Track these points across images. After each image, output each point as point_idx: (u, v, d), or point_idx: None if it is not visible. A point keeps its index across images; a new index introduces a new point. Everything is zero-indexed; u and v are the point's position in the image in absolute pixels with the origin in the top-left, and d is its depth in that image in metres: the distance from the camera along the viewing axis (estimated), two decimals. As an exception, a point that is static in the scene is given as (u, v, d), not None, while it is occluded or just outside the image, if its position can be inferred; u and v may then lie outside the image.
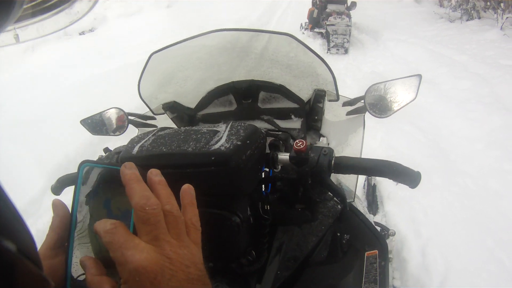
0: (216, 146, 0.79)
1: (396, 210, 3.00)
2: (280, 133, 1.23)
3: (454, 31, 9.10)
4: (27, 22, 0.60)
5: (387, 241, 2.40)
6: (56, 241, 0.56)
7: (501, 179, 3.34)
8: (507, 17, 8.42)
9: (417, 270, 2.45)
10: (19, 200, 3.37)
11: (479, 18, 9.99)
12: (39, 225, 3.19)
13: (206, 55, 1.47)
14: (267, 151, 0.97)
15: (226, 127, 0.88)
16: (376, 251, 1.16)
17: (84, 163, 0.56)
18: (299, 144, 0.92)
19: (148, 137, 0.91)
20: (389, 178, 0.90)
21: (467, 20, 10.03)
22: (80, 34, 12.73)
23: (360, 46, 9.20)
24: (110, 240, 0.46)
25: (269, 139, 1.12)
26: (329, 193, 1.06)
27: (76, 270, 0.54)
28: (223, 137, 0.82)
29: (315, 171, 0.90)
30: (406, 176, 0.88)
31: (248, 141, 0.83)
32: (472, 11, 10.15)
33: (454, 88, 5.30)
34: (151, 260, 0.45)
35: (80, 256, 0.53)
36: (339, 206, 1.18)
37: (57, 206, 0.58)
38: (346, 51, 8.58)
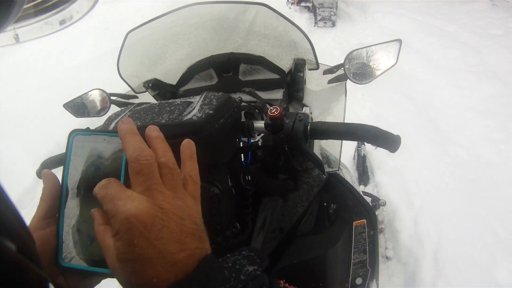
0: (189, 116, 0.77)
1: (387, 180, 3.01)
2: (256, 101, 1.21)
3: (442, 1, 9.03)
4: (27, 22, 0.60)
5: (378, 211, 2.41)
6: (46, 211, 0.56)
7: (493, 148, 3.35)
8: (496, -14, 8.35)
9: (409, 241, 2.47)
10: (13, 192, 3.35)
11: (469, -13, 9.90)
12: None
13: (184, 30, 1.44)
14: (243, 120, 0.95)
15: (200, 97, 0.86)
16: (365, 221, 1.17)
17: (73, 132, 0.56)
18: (273, 111, 0.90)
19: (125, 113, 0.89)
20: (368, 142, 0.88)
21: (456, -10, 9.94)
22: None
23: (347, 19, 9.14)
24: (104, 194, 0.47)
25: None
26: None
27: (67, 240, 0.54)
28: (195, 107, 0.80)
29: (291, 137, 0.88)
30: (385, 140, 0.85)
31: (221, 110, 0.81)
32: (461, -20, 10.05)
33: (443, 57, 5.28)
34: (142, 209, 0.44)
35: (72, 226, 0.54)
36: (324, 175, 1.17)
37: (47, 176, 0.58)
38: (333, 24, 8.54)
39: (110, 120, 0.88)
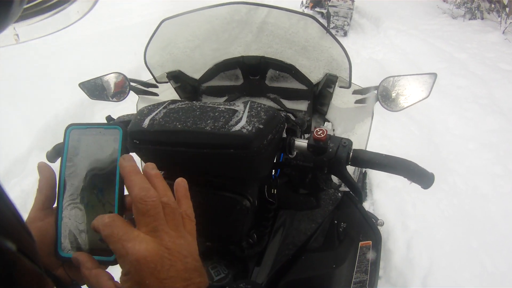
0: (237, 127, 0.76)
1: (385, 199, 3.01)
2: (297, 118, 1.20)
3: (455, 28, 9.05)
4: (27, 22, 0.60)
5: (376, 230, 2.42)
6: (44, 202, 0.57)
7: (490, 182, 3.36)
8: (510, 22, 8.39)
9: (401, 262, 2.48)
10: (4, 159, 3.33)
11: (482, 19, 9.93)
12: (24, 186, 3.17)
13: (218, 26, 1.43)
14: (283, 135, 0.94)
15: (245, 106, 0.84)
16: (370, 242, 1.17)
17: (70, 126, 0.57)
18: (319, 133, 0.89)
19: (159, 110, 0.87)
20: (404, 177, 0.89)
21: (470, 19, 9.96)
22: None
23: (360, 31, 9.16)
24: (110, 233, 0.48)
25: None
26: (334, 182, 1.04)
27: (66, 231, 0.55)
28: (243, 118, 0.79)
29: (333, 162, 0.88)
30: (421, 177, 0.87)
31: (269, 125, 0.80)
32: (476, 11, 10.08)
33: (451, 84, 5.28)
34: (151, 250, 0.46)
35: (71, 218, 0.55)
36: (339, 194, 1.17)
37: (43, 168, 0.59)
38: (345, 34, 8.57)
39: (142, 115, 0.86)
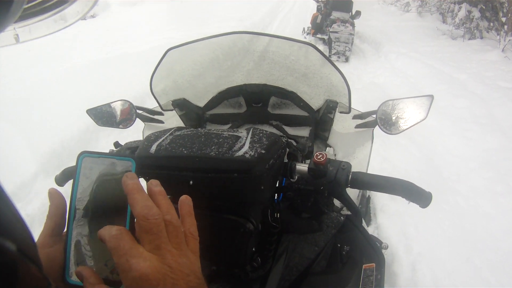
0: (240, 152, 0.80)
1: (389, 223, 3.02)
2: (298, 143, 1.24)
3: (455, 48, 9.14)
4: (27, 22, 0.60)
5: (380, 254, 2.42)
6: (53, 229, 0.57)
7: (492, 201, 3.36)
8: (509, 39, 8.47)
9: (405, 284, 2.48)
10: (10, 183, 3.34)
11: (481, 38, 10.05)
12: (28, 210, 3.16)
13: (221, 55, 1.47)
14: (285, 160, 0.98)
15: (248, 133, 0.88)
16: (374, 264, 1.17)
17: (82, 153, 0.57)
18: (319, 157, 0.92)
19: (165, 136, 0.91)
20: (402, 197, 0.91)
21: (469, 39, 10.08)
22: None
23: (361, 56, 9.25)
24: (116, 246, 0.48)
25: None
26: (336, 205, 1.07)
27: (74, 258, 0.55)
28: (246, 144, 0.83)
29: (333, 184, 0.91)
30: (419, 196, 0.90)
31: (271, 150, 0.83)
32: (475, 31, 10.21)
33: (451, 105, 5.32)
34: (154, 268, 0.47)
35: (79, 246, 0.55)
36: (341, 217, 1.19)
37: (53, 195, 0.59)
38: (347, 60, 8.63)
39: (149, 141, 0.90)
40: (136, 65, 6.30)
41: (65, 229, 0.57)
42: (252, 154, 0.79)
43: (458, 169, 3.88)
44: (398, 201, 3.10)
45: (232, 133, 0.89)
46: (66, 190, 0.62)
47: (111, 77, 5.96)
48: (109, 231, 0.49)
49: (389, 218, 3.06)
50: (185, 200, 0.58)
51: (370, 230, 2.95)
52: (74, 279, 0.54)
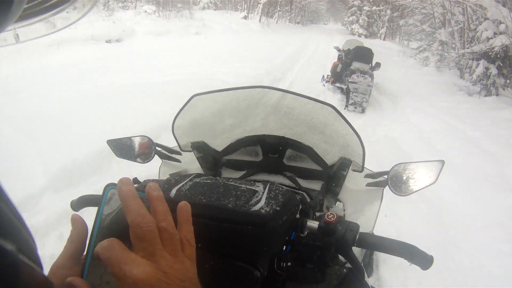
0: (256, 207, 0.85)
1: (390, 276, 3.00)
2: (311, 200, 1.28)
3: (471, 105, 9.17)
4: (27, 22, 0.60)
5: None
6: (73, 253, 0.58)
7: (497, 260, 3.34)
8: (524, 97, 8.50)
9: None
10: (18, 194, 3.39)
11: (497, 95, 10.08)
12: (33, 221, 3.19)
13: (243, 106, 1.54)
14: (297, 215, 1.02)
15: (265, 188, 0.94)
16: None
17: (109, 185, 0.58)
18: (330, 217, 0.96)
19: (185, 182, 0.96)
20: (405, 258, 0.96)
21: (485, 96, 10.12)
22: (106, 41, 13.05)
23: (377, 108, 9.27)
24: (108, 256, 0.49)
25: None
26: (340, 259, 1.10)
27: (91, 283, 0.55)
28: (262, 199, 0.88)
29: (340, 243, 0.95)
30: (420, 259, 0.94)
31: (285, 207, 0.88)
32: (491, 87, 10.25)
33: (463, 163, 5.32)
34: (148, 274, 0.47)
35: (97, 272, 0.55)
36: (344, 270, 1.21)
37: (76, 221, 0.60)
38: (363, 111, 8.60)
39: (169, 184, 0.95)
40: (154, 96, 6.43)
41: (84, 254, 0.57)
42: (268, 210, 0.84)
43: (465, 227, 3.86)
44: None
45: (249, 187, 0.94)
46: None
47: (132, 104, 6.07)
48: (100, 245, 0.50)
49: (391, 271, 3.04)
50: (184, 206, 0.59)
51: (371, 281, 2.92)
52: None
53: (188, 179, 0.98)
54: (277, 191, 0.92)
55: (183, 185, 0.94)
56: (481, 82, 10.47)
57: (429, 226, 3.79)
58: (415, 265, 0.96)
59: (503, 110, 8.37)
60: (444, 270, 3.16)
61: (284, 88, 1.47)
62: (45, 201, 3.52)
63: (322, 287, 1.14)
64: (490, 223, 3.92)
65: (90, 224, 0.58)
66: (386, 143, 6.00)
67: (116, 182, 0.58)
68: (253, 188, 0.94)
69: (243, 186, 0.94)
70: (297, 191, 1.40)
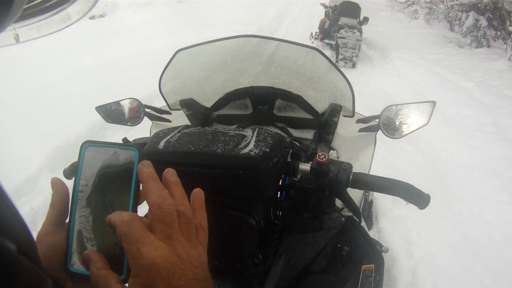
0: (245, 150, 0.82)
1: (390, 227, 3.03)
2: (299, 142, 1.26)
3: (462, 56, 9.12)
4: (27, 22, 0.60)
5: (380, 257, 2.43)
6: (56, 217, 0.56)
7: (495, 209, 3.37)
8: (516, 49, 8.48)
9: (405, 288, 2.49)
10: (15, 178, 3.40)
11: (488, 46, 10.04)
12: (33, 204, 3.21)
13: (229, 58, 1.50)
14: (288, 159, 1.00)
15: (253, 132, 0.91)
16: (373, 266, 1.19)
17: (86, 143, 0.57)
18: (321, 157, 0.95)
19: (173, 133, 0.94)
20: (401, 198, 0.94)
21: (476, 47, 10.06)
22: (90, 18, 12.80)
23: (368, 62, 9.26)
24: (127, 232, 0.47)
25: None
26: (337, 205, 1.09)
27: (76, 247, 0.55)
28: (251, 142, 0.85)
29: (334, 184, 0.94)
30: (417, 198, 0.92)
31: (275, 149, 0.86)
32: (482, 39, 10.20)
33: (457, 114, 5.32)
34: (165, 257, 0.46)
35: (81, 235, 0.55)
36: (342, 218, 1.21)
37: (56, 184, 0.58)
38: (353, 65, 8.65)
39: (158, 137, 0.93)
40: (143, 66, 6.36)
41: (68, 218, 0.56)
42: (257, 152, 0.81)
43: (462, 176, 3.88)
44: (402, 206, 3.13)
45: (238, 132, 0.91)
46: (70, 182, 0.61)
47: (119, 78, 6.02)
48: (120, 216, 0.49)
49: (391, 223, 3.08)
50: (198, 193, 0.58)
51: (372, 233, 2.96)
52: (76, 267, 0.55)
53: (177, 130, 0.96)
54: (266, 134, 0.90)
55: (171, 137, 0.92)
56: (472, 34, 10.39)
57: (427, 177, 3.80)
58: (412, 205, 0.95)
59: (495, 61, 8.33)
60: (444, 219, 3.19)
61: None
62: (43, 182, 3.52)
63: (320, 235, 1.14)
64: (486, 172, 3.93)
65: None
66: (379, 96, 5.97)
67: (95, 140, 0.57)
68: (242, 133, 0.91)
69: (231, 132, 0.92)
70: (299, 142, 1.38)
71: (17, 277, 0.33)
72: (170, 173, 0.55)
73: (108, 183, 0.56)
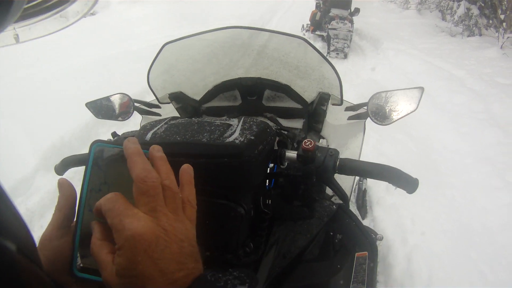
0: (231, 139, 0.83)
1: (384, 216, 3.05)
2: (288, 131, 1.27)
3: (454, 45, 9.16)
4: (27, 22, 0.60)
5: (375, 245, 2.45)
6: (62, 221, 0.56)
7: (489, 195, 3.39)
8: (508, 37, 8.50)
9: (401, 276, 2.50)
10: (10, 178, 3.38)
11: (480, 35, 10.08)
12: (29, 205, 3.20)
13: (217, 50, 1.51)
14: (275, 147, 1.00)
15: (239, 121, 0.92)
16: (366, 253, 1.19)
17: (96, 142, 0.56)
18: (307, 143, 0.95)
19: (160, 125, 0.94)
20: (389, 182, 0.94)
21: (468, 36, 10.13)
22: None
23: (359, 52, 9.30)
24: (110, 208, 0.48)
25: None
26: (327, 193, 1.10)
27: (82, 251, 0.54)
28: (236, 131, 0.86)
29: (321, 170, 0.94)
30: (405, 182, 0.92)
31: (260, 136, 0.86)
32: (474, 28, 10.25)
33: (449, 102, 5.34)
34: (148, 228, 0.46)
35: (87, 239, 0.53)
36: (334, 206, 1.21)
37: (63, 185, 0.58)
38: (345, 56, 8.69)
39: (145, 129, 0.94)
40: (137, 62, 6.33)
41: (74, 221, 0.56)
42: (242, 140, 0.82)
43: (455, 164, 3.91)
44: (395, 194, 3.15)
45: (224, 122, 0.92)
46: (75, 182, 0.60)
47: (112, 75, 6.01)
48: (104, 197, 0.49)
49: (385, 211, 3.10)
50: (187, 169, 0.58)
51: (366, 222, 2.97)
52: (81, 272, 0.54)
53: (164, 122, 0.96)
54: (252, 122, 0.90)
55: (158, 128, 0.92)
56: (463, 23, 10.45)
57: (419, 164, 3.82)
58: (401, 189, 0.94)
59: (487, 50, 8.36)
60: (438, 206, 3.22)
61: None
62: (38, 182, 3.51)
63: (312, 223, 1.14)
64: (479, 159, 3.96)
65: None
66: (370, 86, 5.94)
67: (104, 139, 0.57)
68: (228, 122, 0.92)
69: (217, 121, 0.92)
70: (285, 131, 1.38)
71: (17, 277, 0.33)
72: (156, 149, 0.56)
73: (117, 184, 0.56)
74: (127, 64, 6.57)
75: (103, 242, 0.50)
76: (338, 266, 1.11)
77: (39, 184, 3.47)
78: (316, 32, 10.02)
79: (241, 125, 0.89)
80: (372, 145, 4.05)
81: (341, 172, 0.97)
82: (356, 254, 1.16)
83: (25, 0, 0.37)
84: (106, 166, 0.56)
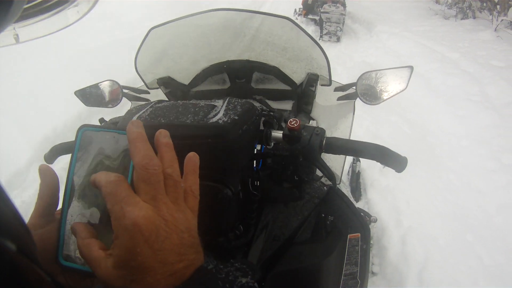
0: (214, 119, 0.82)
1: (379, 198, 3.06)
2: (275, 112, 1.25)
3: (448, 28, 9.14)
4: (27, 22, 0.60)
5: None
6: (44, 209, 0.55)
7: (484, 177, 3.41)
8: (502, 19, 8.46)
9: (396, 258, 2.51)
10: (5, 171, 3.39)
11: (474, 18, 10.05)
12: (24, 197, 3.20)
13: (204, 33, 1.49)
14: (261, 128, 0.99)
15: (224, 102, 0.90)
16: (359, 234, 1.19)
17: (83, 127, 0.54)
18: (293, 123, 0.94)
19: (145, 109, 0.93)
20: (377, 161, 0.92)
21: (462, 19, 10.10)
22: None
23: (352, 36, 9.29)
24: (112, 191, 0.46)
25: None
26: (317, 174, 1.08)
27: (68, 239, 0.53)
28: (220, 111, 0.85)
29: (307, 149, 0.93)
30: (394, 160, 0.91)
31: (244, 117, 0.85)
32: (468, 10, 10.22)
33: (444, 84, 5.35)
34: (149, 218, 0.45)
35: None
36: (325, 187, 1.21)
37: (45, 172, 0.56)
38: (338, 39, 8.70)
39: (130, 114, 0.92)
40: (130, 50, 6.27)
41: (59, 207, 0.54)
42: (226, 120, 0.81)
43: (450, 146, 3.93)
44: (389, 176, 3.16)
45: (208, 103, 0.91)
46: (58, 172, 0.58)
47: (106, 64, 5.94)
48: (106, 176, 0.47)
49: (379, 193, 3.11)
50: (192, 157, 0.57)
51: (360, 204, 2.98)
52: (68, 261, 0.52)
53: (149, 106, 0.95)
54: (236, 103, 0.89)
55: (143, 112, 0.91)
56: (457, 5, 10.42)
57: (415, 147, 3.83)
58: (389, 168, 0.93)
59: (481, 32, 8.36)
60: (433, 189, 3.23)
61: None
62: (32, 174, 3.52)
63: (303, 205, 1.14)
64: (475, 141, 3.98)
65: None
66: (364, 68, 5.85)
67: (92, 124, 0.55)
68: (212, 103, 0.91)
69: (201, 103, 0.91)
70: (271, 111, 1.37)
71: (17, 277, 0.33)
72: (163, 135, 0.54)
73: (106, 169, 0.53)
74: (122, 52, 6.51)
75: (90, 240, 0.49)
76: (331, 248, 1.10)
77: (33, 177, 3.46)
78: (309, 16, 10.03)
79: (226, 106, 0.88)
80: (366, 127, 4.06)
81: (327, 151, 0.96)
82: (348, 235, 1.16)
83: (25, 0, 0.37)
84: (94, 151, 0.54)
